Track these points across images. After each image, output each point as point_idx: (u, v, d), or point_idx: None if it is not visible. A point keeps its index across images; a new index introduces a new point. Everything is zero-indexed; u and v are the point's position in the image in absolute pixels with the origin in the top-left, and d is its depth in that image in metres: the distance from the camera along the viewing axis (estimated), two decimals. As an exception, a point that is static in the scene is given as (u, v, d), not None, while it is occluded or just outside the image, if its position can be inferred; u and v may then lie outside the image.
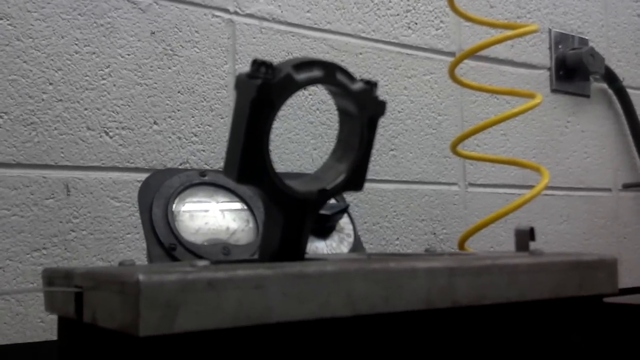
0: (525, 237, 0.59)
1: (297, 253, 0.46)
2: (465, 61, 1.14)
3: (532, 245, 0.59)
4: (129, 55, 0.85)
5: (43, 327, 0.76)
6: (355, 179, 0.47)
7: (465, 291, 0.45)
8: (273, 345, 0.39)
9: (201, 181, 0.60)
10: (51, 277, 0.46)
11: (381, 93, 1.04)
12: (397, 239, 1.03)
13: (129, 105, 0.84)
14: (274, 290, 0.38)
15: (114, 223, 0.82)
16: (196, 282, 0.35)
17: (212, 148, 0.89)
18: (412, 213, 1.05)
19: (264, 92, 0.41)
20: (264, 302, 0.37)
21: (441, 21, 1.12)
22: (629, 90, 1.32)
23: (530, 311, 0.49)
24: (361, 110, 0.46)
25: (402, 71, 1.07)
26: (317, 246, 0.62)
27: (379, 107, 0.47)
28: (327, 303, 0.39)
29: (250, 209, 0.59)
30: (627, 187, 1.16)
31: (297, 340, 0.39)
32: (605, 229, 1.29)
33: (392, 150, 1.05)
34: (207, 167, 0.88)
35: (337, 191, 0.47)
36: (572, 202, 1.25)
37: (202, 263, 0.39)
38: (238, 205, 0.59)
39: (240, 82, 0.42)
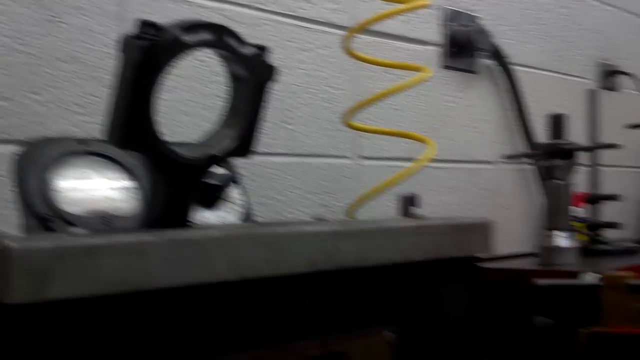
0: (407, 203, 0.62)
1: (181, 220, 0.45)
2: (361, 36, 1.15)
3: (415, 211, 0.61)
4: (9, 21, 0.79)
5: None
6: (244, 146, 0.47)
7: (349, 254, 0.46)
8: (156, 311, 0.38)
9: (81, 150, 0.57)
10: None
11: (278, 66, 1.04)
12: (290, 212, 1.04)
13: (6, 74, 0.79)
14: (155, 256, 0.37)
15: (-8, 198, 0.77)
16: (72, 249, 0.34)
17: (97, 119, 0.86)
18: (305, 186, 1.06)
19: (150, 54, 0.40)
20: (145, 268, 0.37)
21: (337, -5, 1.13)
22: (514, 67, 1.39)
23: (411, 272, 0.51)
24: (251, 75, 0.46)
25: (299, 44, 1.07)
26: (205, 216, 0.61)
27: (269, 72, 0.47)
28: (211, 268, 0.39)
29: (134, 179, 0.57)
30: (507, 158, 1.22)
31: (181, 306, 0.39)
32: (486, 199, 1.36)
33: (286, 123, 1.05)
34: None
35: (224, 157, 0.46)
36: (457, 173, 1.30)
37: (79, 231, 0.38)
38: (121, 175, 0.57)
39: (126, 43, 0.41)
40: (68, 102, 0.84)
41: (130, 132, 0.41)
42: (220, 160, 0.46)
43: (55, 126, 0.82)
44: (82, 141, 0.58)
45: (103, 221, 0.52)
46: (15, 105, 0.80)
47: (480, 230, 0.54)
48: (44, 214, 0.50)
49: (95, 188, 0.55)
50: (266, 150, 1.02)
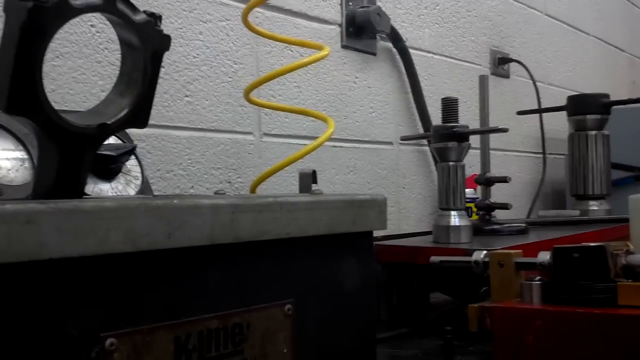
0: (307, 179, 0.63)
1: (74, 191, 0.44)
2: (262, 11, 1.15)
3: (314, 187, 0.63)
4: None
5: None
6: (139, 116, 0.46)
7: (247, 227, 0.46)
8: (48, 283, 0.37)
9: (-32, 115, 0.54)
10: None
11: (175, 37, 1.02)
12: (192, 187, 1.03)
13: None
14: (47, 226, 0.36)
15: None
16: (-43, 217, 0.33)
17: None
18: (207, 161, 1.05)
19: (35, 16, 0.39)
20: (35, 238, 0.36)
21: (239, -33, 1.11)
22: (411, 51, 1.43)
23: (308, 245, 0.52)
24: (144, 44, 0.45)
25: (197, 15, 1.06)
26: (101, 188, 0.59)
27: (164, 41, 0.46)
28: (105, 239, 0.39)
29: (25, 147, 0.55)
30: (404, 139, 1.26)
31: (74, 277, 0.38)
32: (387, 179, 1.40)
33: (187, 96, 1.03)
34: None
35: (119, 127, 0.45)
36: (358, 153, 1.34)
37: (-36, 199, 0.36)
38: (11, 144, 0.54)
39: (10, 4, 0.39)
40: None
41: (15, 96, 0.39)
42: (112, 130, 0.45)
43: None
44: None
45: (-9, 189, 0.50)
46: None
47: (375, 205, 0.57)
48: None
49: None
50: (167, 124, 1.00)
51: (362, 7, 1.31)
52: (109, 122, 0.44)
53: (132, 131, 0.74)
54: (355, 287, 0.56)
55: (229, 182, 1.09)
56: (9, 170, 0.53)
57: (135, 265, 0.41)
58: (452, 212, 1.06)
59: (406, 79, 1.45)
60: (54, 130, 0.42)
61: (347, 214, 0.54)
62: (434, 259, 0.74)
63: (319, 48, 0.92)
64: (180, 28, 1.03)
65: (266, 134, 1.15)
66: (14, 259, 0.35)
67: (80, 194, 0.45)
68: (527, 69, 1.78)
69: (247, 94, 0.97)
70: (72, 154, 0.43)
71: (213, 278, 0.45)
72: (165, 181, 0.99)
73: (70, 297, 0.38)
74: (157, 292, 0.42)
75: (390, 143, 1.42)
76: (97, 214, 0.38)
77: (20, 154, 0.54)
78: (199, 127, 1.05)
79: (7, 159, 0.54)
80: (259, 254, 0.48)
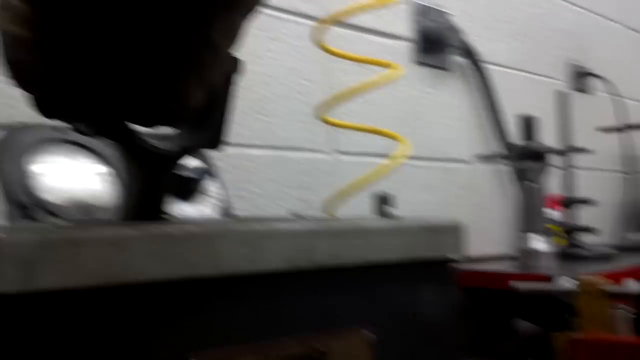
0: (382, 202, 0.63)
1: (157, 211, 0.46)
2: (333, 28, 1.16)
3: (389, 210, 0.63)
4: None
5: None
6: (214, 137, 0.48)
7: (324, 252, 0.47)
8: (136, 305, 0.39)
9: (61, 138, 0.57)
10: None
11: (249, 55, 1.04)
12: (267, 205, 1.05)
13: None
14: (136, 250, 0.38)
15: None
16: (58, 240, 0.35)
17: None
18: (282, 179, 1.07)
19: None
20: (125, 262, 0.37)
21: (310, -15, 1.13)
22: (485, 65, 1.41)
23: (384, 271, 0.52)
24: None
25: (270, 34, 1.07)
26: (184, 209, 0.61)
27: (234, 64, 0.48)
28: (191, 263, 0.40)
29: (113, 169, 0.58)
30: (481, 158, 1.24)
31: (161, 300, 0.40)
32: (462, 199, 1.38)
33: (261, 114, 1.05)
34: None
35: (196, 148, 0.47)
36: (432, 171, 1.32)
37: (63, 222, 0.39)
38: (98, 164, 0.57)
39: None
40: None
41: (106, 123, 0.42)
42: (191, 150, 0.47)
43: (28, 110, 0.81)
44: (57, 128, 0.58)
45: (82, 211, 0.52)
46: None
47: (451, 231, 0.56)
48: (24, 203, 0.50)
49: (74, 177, 0.56)
50: (242, 142, 1.02)
51: (434, 21, 1.31)
52: (187, 145, 0.46)
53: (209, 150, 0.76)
54: (434, 314, 0.55)
55: (303, 201, 1.10)
56: (97, 190, 0.56)
57: (218, 289, 0.42)
58: (533, 235, 1.03)
59: (480, 95, 1.43)
60: (139, 153, 0.44)
61: (424, 240, 0.54)
62: (515, 284, 0.71)
63: (393, 67, 0.92)
64: (254, 47, 1.05)
65: (340, 152, 1.16)
66: (104, 281, 0.36)
67: (162, 213, 0.46)
68: (607, 84, 1.72)
69: (320, 113, 0.98)
70: (155, 174, 0.46)
71: (292, 302, 0.46)
72: (242, 199, 1.01)
73: (157, 319, 0.40)
74: (239, 315, 0.43)
75: (465, 161, 1.39)
76: (183, 239, 0.40)
77: (106, 173, 0.57)
78: (274, 145, 1.07)
79: (95, 178, 0.56)
80: (337, 279, 0.49)
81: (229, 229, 0.42)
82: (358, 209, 1.16)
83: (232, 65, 0.48)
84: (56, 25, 0.39)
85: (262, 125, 1.05)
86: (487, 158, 1.28)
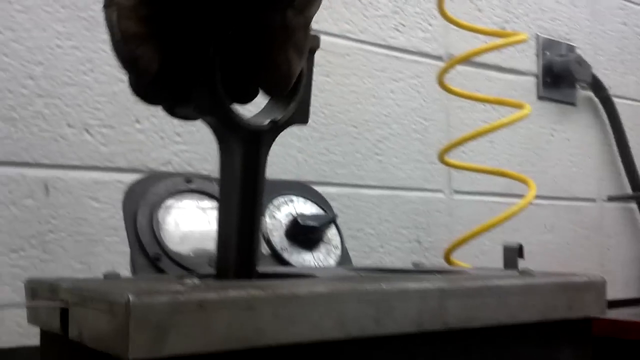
0: (513, 254, 0.59)
1: (255, 188, 0.46)
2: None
3: (521, 262, 0.59)
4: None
5: (20, 332, 0.74)
6: (301, 112, 0.48)
7: (456, 313, 0.44)
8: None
9: (187, 188, 0.58)
10: (35, 289, 0.45)
11: (367, 96, 1.03)
12: (381, 246, 1.03)
13: (111, 103, 0.82)
14: (265, 312, 0.37)
15: (94, 225, 0.80)
16: (187, 304, 0.34)
17: (195, 149, 0.88)
18: (396, 220, 1.05)
19: None
20: (254, 324, 0.36)
21: (429, 24, 1.11)
22: (615, 100, 1.33)
23: (520, 333, 0.48)
24: None
25: (389, 74, 1.06)
26: (304, 258, 0.60)
27: (315, 41, 0.49)
28: (318, 325, 0.38)
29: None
30: (612, 199, 1.16)
31: (287, 364, 0.38)
32: (588, 240, 1.29)
33: (377, 154, 1.04)
34: (191, 169, 0.87)
35: (286, 123, 0.48)
36: (556, 211, 1.25)
37: (191, 280, 0.38)
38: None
39: None
40: (168, 131, 0.86)
41: (199, 97, 0.43)
42: (283, 127, 0.48)
43: (155, 154, 0.84)
44: (188, 179, 0.59)
45: (210, 262, 0.53)
46: (118, 133, 0.82)
47: (593, 288, 0.51)
48: (154, 254, 0.51)
49: (202, 227, 0.56)
50: (358, 183, 1.01)
51: (561, 55, 1.25)
52: (277, 120, 0.47)
53: (324, 190, 0.76)
54: (572, 379, 0.50)
55: (418, 242, 1.07)
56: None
57: (344, 352, 0.40)
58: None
59: (610, 130, 1.34)
60: (235, 128, 0.45)
61: (563, 299, 0.50)
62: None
63: (519, 106, 0.88)
64: (373, 88, 1.04)
65: (457, 192, 1.12)
66: (234, 345, 0.35)
67: (261, 193, 0.46)
68: None
69: (441, 156, 0.95)
70: (251, 149, 0.46)
71: (421, 367, 0.43)
72: (355, 240, 1.00)
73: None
74: (366, 380, 0.41)
75: (593, 200, 1.31)
76: (311, 300, 0.38)
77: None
78: (389, 185, 1.05)
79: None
80: (468, 342, 0.46)
81: (356, 288, 0.40)
82: (477, 251, 1.11)
83: (315, 43, 0.49)
84: (168, 14, 0.40)
85: (378, 166, 1.04)
86: (617, 198, 1.19)
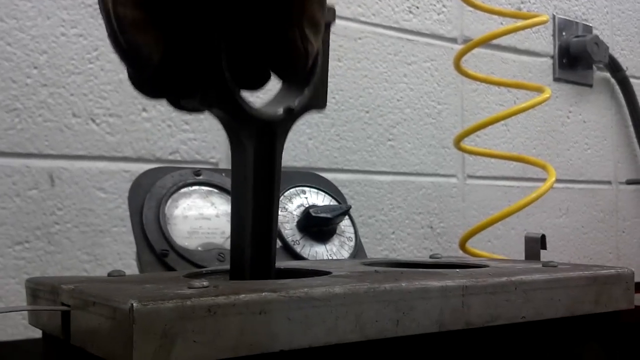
0: (535, 245, 0.57)
1: (271, 184, 0.42)
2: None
3: (543, 253, 0.56)
4: (118, 38, 0.80)
5: (25, 324, 0.72)
6: (318, 96, 0.44)
7: (479, 311, 0.42)
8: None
9: (195, 181, 0.56)
10: (35, 290, 0.43)
11: (380, 81, 1.01)
12: (393, 232, 1.01)
13: (116, 91, 0.80)
14: (278, 316, 0.34)
15: (100, 215, 0.78)
16: (195, 309, 0.32)
17: (203, 137, 0.86)
18: (409, 206, 1.02)
19: None
20: (267, 329, 0.34)
21: (443, 5, 1.08)
22: (632, 80, 1.29)
23: (545, 330, 0.46)
24: None
25: (402, 57, 1.04)
26: (316, 251, 0.58)
27: (330, 14, 0.44)
28: (334, 328, 0.36)
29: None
30: (630, 182, 1.13)
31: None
32: (604, 223, 1.27)
33: (389, 140, 1.01)
34: (199, 157, 0.85)
35: (302, 110, 0.43)
36: (572, 194, 1.22)
37: (199, 283, 0.36)
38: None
39: None
40: (175, 120, 0.84)
41: (207, 88, 0.39)
42: (299, 113, 0.43)
43: (162, 143, 0.82)
44: (196, 171, 0.57)
45: (219, 257, 0.51)
46: (124, 122, 0.80)
47: (621, 281, 0.49)
48: (161, 250, 0.49)
49: (210, 221, 0.54)
50: (370, 169, 0.99)
51: (577, 36, 1.21)
52: (292, 107, 0.43)
53: (335, 177, 0.73)
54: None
55: (431, 227, 1.05)
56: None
57: (362, 356, 0.38)
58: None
59: (627, 112, 1.31)
60: (247, 120, 0.41)
61: (590, 293, 0.47)
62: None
63: (539, 90, 0.85)
64: (385, 72, 1.02)
65: (470, 176, 1.10)
66: (246, 352, 0.33)
67: (277, 186, 0.43)
68: None
69: (457, 142, 0.92)
70: (265, 141, 0.42)
71: (444, 369, 0.41)
72: (367, 227, 0.98)
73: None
74: (385, 384, 0.39)
75: (609, 182, 1.28)
76: (326, 302, 0.36)
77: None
78: (401, 171, 1.02)
79: (230, 222, 0.54)
80: (491, 340, 0.43)
81: (374, 288, 0.38)
82: (490, 235, 1.09)
83: (330, 16, 0.44)
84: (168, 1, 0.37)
85: (390, 152, 1.01)
86: (634, 182, 1.17)
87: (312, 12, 0.40)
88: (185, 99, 0.41)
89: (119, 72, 0.80)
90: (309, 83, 0.43)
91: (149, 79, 0.39)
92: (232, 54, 0.40)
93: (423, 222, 1.04)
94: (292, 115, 0.43)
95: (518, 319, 0.44)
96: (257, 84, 0.42)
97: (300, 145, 0.93)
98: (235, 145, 0.43)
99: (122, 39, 0.36)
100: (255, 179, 0.42)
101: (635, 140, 1.30)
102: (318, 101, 0.44)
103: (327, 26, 0.44)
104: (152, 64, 0.37)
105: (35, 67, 0.75)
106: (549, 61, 1.21)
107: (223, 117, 0.41)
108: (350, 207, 0.62)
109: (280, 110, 0.42)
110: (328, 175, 0.71)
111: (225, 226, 0.54)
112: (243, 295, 0.34)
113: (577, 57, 1.21)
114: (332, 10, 0.44)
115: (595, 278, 0.48)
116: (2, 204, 0.73)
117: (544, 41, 1.20)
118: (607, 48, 1.23)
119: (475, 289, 0.42)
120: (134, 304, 0.31)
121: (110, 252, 0.78)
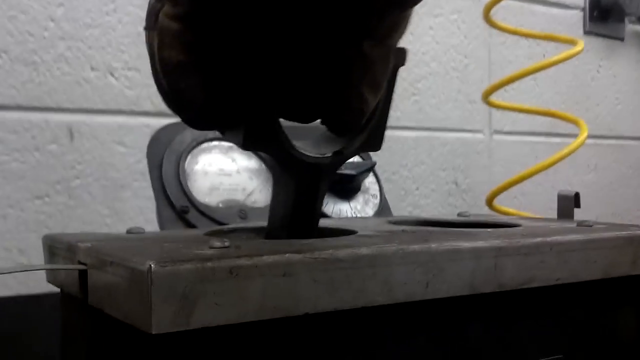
0: (569, 203, 0.55)
1: (310, 223, 0.41)
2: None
3: (577, 212, 0.54)
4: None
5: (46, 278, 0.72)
6: (374, 138, 0.41)
7: (512, 273, 0.40)
8: (303, 341, 0.34)
9: (216, 136, 0.54)
10: (53, 247, 0.42)
11: (405, 34, 0.97)
12: (417, 188, 0.99)
13: (135, 44, 0.78)
14: (303, 278, 0.33)
15: (120, 170, 0.77)
16: (216, 271, 0.31)
17: (224, 91, 0.83)
18: (433, 162, 1.00)
19: None
20: (292, 291, 0.33)
21: (471, -46, 1.03)
22: (666, 33, 1.24)
23: (579, 293, 0.44)
24: None
25: (428, 9, 1.00)
26: (340, 208, 0.57)
27: (400, 56, 0.39)
28: (362, 290, 0.35)
29: (266, 166, 0.54)
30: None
31: (328, 334, 0.35)
32: (634, 180, 1.24)
33: (414, 95, 0.98)
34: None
35: (353, 153, 0.41)
36: (601, 150, 1.19)
37: (220, 243, 0.35)
38: (255, 163, 0.53)
39: None
40: (195, 73, 0.82)
41: (252, 131, 0.36)
42: (349, 157, 0.41)
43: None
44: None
45: (240, 214, 0.49)
46: (143, 75, 0.78)
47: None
48: (181, 206, 0.48)
49: (231, 177, 0.53)
50: (393, 124, 0.96)
51: (609, -13, 1.16)
52: (343, 151, 0.40)
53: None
54: (635, 341, 0.47)
55: (456, 184, 1.03)
56: (255, 191, 0.52)
57: (390, 319, 0.37)
58: None
59: (660, 66, 1.26)
60: (290, 163, 0.38)
61: (627, 254, 0.45)
62: None
63: (571, 42, 0.81)
64: (414, 26, 0.98)
65: (497, 132, 1.07)
66: (270, 315, 0.32)
67: (315, 225, 0.41)
68: None
69: (486, 97, 0.89)
70: (307, 184, 0.40)
71: (476, 332, 0.40)
72: (391, 183, 0.96)
73: (325, 354, 0.35)
74: (415, 347, 0.38)
75: (638, 139, 1.25)
76: (353, 263, 0.35)
77: (264, 173, 0.53)
78: (426, 126, 1.00)
79: (252, 179, 0.53)
80: (524, 303, 0.42)
81: (402, 249, 0.36)
82: (517, 191, 1.07)
83: (400, 58, 0.39)
84: (216, 43, 0.34)
85: (414, 107, 0.99)
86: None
87: (374, 74, 0.36)
88: (229, 134, 0.38)
89: (137, 24, 0.78)
90: (363, 130, 0.40)
91: (193, 119, 0.37)
92: (283, 89, 0.36)
93: (448, 179, 1.02)
94: (341, 159, 0.40)
95: (553, 281, 0.42)
96: (307, 119, 0.38)
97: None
98: (276, 181, 0.41)
99: (165, 82, 0.35)
100: (293, 215, 0.40)
101: (668, 95, 1.26)
102: (373, 143, 0.41)
103: (395, 69, 0.39)
104: (195, 107, 0.35)
105: (52, 20, 0.73)
106: (579, 14, 1.16)
107: (265, 157, 0.39)
108: (375, 164, 0.60)
109: (329, 153, 0.39)
110: (351, 131, 0.69)
111: (246, 182, 0.53)
112: (266, 257, 0.32)
113: (608, 10, 1.16)
114: (403, 52, 0.39)
115: (632, 239, 0.46)
116: (21, 158, 0.72)
117: (575, -8, 1.15)
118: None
119: (509, 250, 0.40)
120: (152, 265, 0.29)
121: (131, 206, 0.77)
